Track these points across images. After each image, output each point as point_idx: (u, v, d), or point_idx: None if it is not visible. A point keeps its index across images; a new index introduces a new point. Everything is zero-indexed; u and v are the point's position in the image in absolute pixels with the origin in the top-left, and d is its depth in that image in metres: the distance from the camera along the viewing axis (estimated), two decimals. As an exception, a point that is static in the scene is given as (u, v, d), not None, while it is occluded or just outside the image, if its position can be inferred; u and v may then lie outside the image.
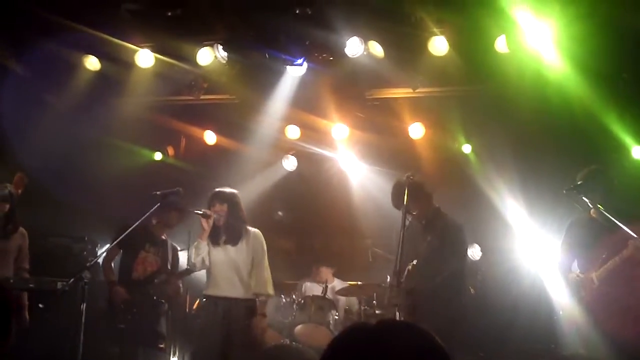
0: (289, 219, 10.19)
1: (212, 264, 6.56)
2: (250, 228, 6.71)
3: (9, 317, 2.67)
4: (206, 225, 6.49)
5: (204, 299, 6.78)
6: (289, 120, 9.59)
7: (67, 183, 8.87)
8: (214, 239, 6.60)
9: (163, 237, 7.47)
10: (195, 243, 6.61)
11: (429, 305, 6.07)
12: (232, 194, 6.66)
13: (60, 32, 7.60)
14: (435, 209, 6.66)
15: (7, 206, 6.92)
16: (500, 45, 7.36)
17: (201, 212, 6.48)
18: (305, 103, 8.91)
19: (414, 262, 6.06)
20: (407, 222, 6.62)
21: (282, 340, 7.92)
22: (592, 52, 7.04)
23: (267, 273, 6.64)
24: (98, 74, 8.57)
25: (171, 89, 8.87)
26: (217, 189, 6.69)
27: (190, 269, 6.79)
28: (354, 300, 8.62)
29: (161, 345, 7.22)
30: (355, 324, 1.83)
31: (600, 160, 7.39)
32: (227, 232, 6.60)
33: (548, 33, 7.06)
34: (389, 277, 6.41)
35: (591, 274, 5.97)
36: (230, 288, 6.48)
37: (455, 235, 6.51)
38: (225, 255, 6.55)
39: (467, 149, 9.36)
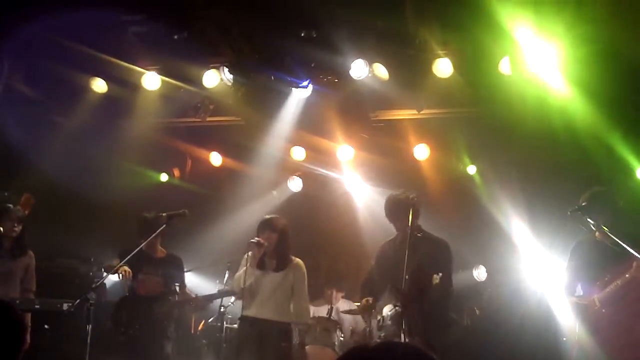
0: (294, 240, 10.16)
1: (255, 288, 6.70)
2: (293, 257, 6.91)
3: (21, 336, 2.71)
4: (258, 253, 6.68)
5: (239, 320, 6.86)
6: (294, 141, 9.62)
7: (73, 204, 8.93)
8: (261, 264, 6.78)
9: (161, 255, 7.34)
10: (244, 269, 6.70)
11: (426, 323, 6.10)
12: (283, 224, 6.87)
13: (68, 55, 7.67)
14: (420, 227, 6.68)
15: (20, 227, 6.97)
16: (504, 67, 7.39)
17: (255, 242, 6.66)
18: (310, 125, 8.95)
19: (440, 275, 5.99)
20: (388, 242, 6.76)
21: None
22: (598, 75, 7.08)
23: (306, 302, 6.90)
24: (105, 96, 8.63)
25: (177, 111, 8.92)
26: (268, 217, 6.92)
27: (236, 295, 6.95)
28: (359, 319, 8.63)
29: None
30: (356, 346, 1.84)
31: (605, 181, 7.41)
32: (274, 259, 6.79)
33: (553, 56, 7.09)
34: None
35: (593, 296, 5.96)
36: (266, 311, 6.62)
37: (448, 252, 6.51)
38: (268, 281, 6.72)
39: (472, 170, 9.37)
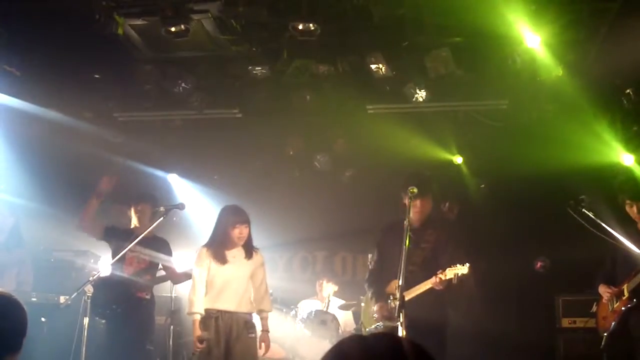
0: (290, 234, 10.18)
1: (214, 279, 6.52)
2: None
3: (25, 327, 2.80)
4: None
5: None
6: (291, 134, 9.63)
7: (71, 197, 8.91)
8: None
9: (148, 236, 6.97)
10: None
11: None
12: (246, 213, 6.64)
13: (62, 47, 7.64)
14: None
15: (12, 220, 6.96)
16: (504, 60, 7.40)
17: None
18: (307, 117, 8.94)
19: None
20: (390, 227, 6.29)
21: (285, 355, 7.94)
22: (597, 68, 7.13)
23: (266, 289, 6.70)
24: (102, 87, 8.60)
25: (175, 104, 8.89)
26: (239, 208, 6.65)
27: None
28: (350, 316, 8.67)
29: (150, 348, 7.16)
30: (349, 336, 1.84)
31: (604, 173, 7.47)
32: (243, 249, 6.61)
33: (552, 50, 7.11)
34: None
35: (623, 285, 6.18)
36: (231, 302, 6.45)
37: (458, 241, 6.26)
38: (228, 271, 6.51)
39: (466, 163, 9.41)
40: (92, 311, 6.85)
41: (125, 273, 7.00)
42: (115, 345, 6.87)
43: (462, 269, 5.53)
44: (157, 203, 7.28)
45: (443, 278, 5.60)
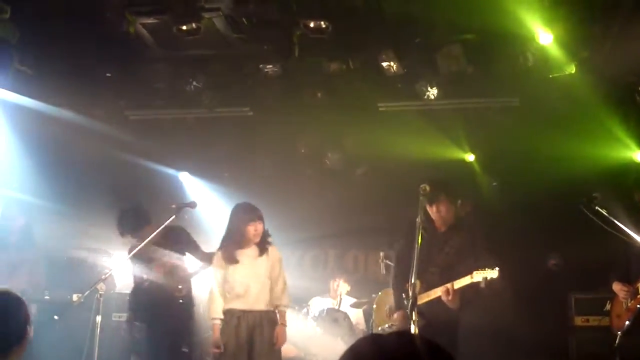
0: (301, 231, 10.17)
1: (233, 280, 6.51)
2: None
3: (26, 324, 2.80)
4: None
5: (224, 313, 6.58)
6: (303, 132, 9.62)
7: (84, 195, 8.94)
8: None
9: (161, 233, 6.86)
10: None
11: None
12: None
13: (74, 45, 7.66)
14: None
15: (22, 220, 6.98)
16: (516, 57, 7.36)
17: None
18: (319, 114, 8.93)
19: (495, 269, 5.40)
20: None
21: (297, 353, 7.94)
22: (610, 65, 7.10)
23: (285, 284, 6.62)
24: (113, 86, 8.62)
25: (186, 102, 8.90)
26: (251, 205, 6.66)
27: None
28: (361, 314, 8.66)
29: (185, 350, 7.17)
30: (369, 335, 1.83)
31: (618, 171, 7.43)
32: (257, 247, 6.60)
33: (565, 47, 7.07)
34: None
35: (637, 284, 6.18)
36: (252, 301, 6.44)
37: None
38: (245, 270, 6.51)
39: (478, 161, 9.38)
40: (134, 315, 6.91)
41: (157, 277, 6.99)
42: (151, 348, 6.90)
43: (492, 273, 5.36)
44: (149, 220, 7.09)
45: (465, 283, 5.51)
